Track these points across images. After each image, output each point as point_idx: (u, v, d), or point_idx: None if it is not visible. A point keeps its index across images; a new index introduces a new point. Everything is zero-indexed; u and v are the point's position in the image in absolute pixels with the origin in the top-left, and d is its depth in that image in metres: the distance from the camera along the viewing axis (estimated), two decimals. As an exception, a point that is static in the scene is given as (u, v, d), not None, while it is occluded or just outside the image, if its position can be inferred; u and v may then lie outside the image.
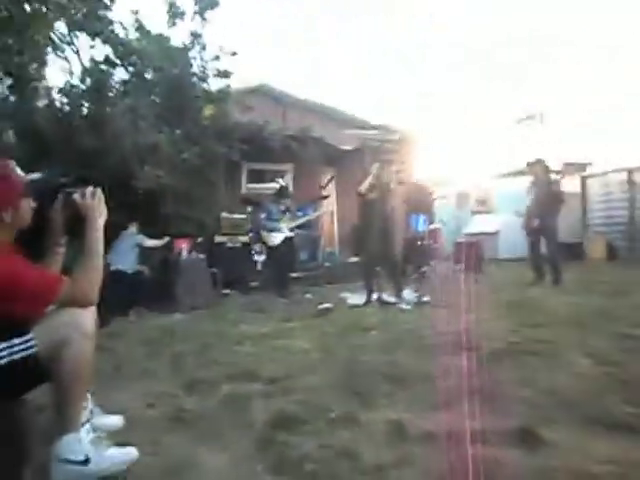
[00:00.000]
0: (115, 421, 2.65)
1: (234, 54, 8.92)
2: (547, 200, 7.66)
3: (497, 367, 3.41)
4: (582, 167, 16.79)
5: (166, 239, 7.47)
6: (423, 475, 2.08)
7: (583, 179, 13.62)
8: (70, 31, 8.25)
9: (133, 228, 7.30)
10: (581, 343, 3.96)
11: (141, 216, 7.44)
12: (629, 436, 2.30)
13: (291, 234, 7.91)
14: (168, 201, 7.79)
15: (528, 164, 8.37)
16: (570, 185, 13.07)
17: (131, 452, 2.26)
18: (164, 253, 7.74)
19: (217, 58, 8.91)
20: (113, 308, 6.14)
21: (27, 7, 7.39)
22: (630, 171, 12.48)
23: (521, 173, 14.18)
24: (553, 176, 8.36)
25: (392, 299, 6.50)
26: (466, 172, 18.94)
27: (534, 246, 7.89)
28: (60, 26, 8.19)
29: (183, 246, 7.46)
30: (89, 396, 2.43)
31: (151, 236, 7.38)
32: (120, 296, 6.48)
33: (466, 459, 2.14)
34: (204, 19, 8.74)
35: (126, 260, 6.95)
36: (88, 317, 2.19)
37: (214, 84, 9.08)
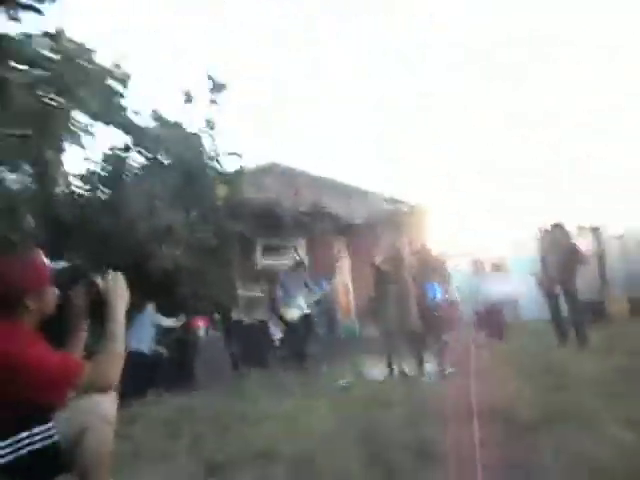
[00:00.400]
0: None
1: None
2: (568, 263, 7.61)
3: (529, 437, 3.29)
4: (595, 230, 16.76)
5: (183, 318, 7.46)
6: None
7: (598, 236, 13.57)
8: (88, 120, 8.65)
9: (150, 308, 7.33)
10: (614, 411, 3.80)
11: (157, 296, 7.49)
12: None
13: (309, 310, 7.88)
14: (184, 280, 7.87)
15: (545, 229, 8.39)
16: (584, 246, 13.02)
17: None
18: (181, 332, 7.71)
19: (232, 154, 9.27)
20: (131, 390, 6.08)
21: (46, 100, 7.80)
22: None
23: (534, 237, 14.13)
24: (570, 240, 8.33)
25: (414, 372, 6.36)
26: (480, 239, 18.95)
27: (555, 308, 7.78)
28: (76, 114, 8.59)
29: (200, 324, 7.43)
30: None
31: (168, 316, 7.40)
32: (138, 377, 6.42)
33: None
34: (215, 102, 9.18)
35: (143, 340, 6.93)
36: (108, 402, 2.17)
37: (226, 164, 9.40)
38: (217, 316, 8.05)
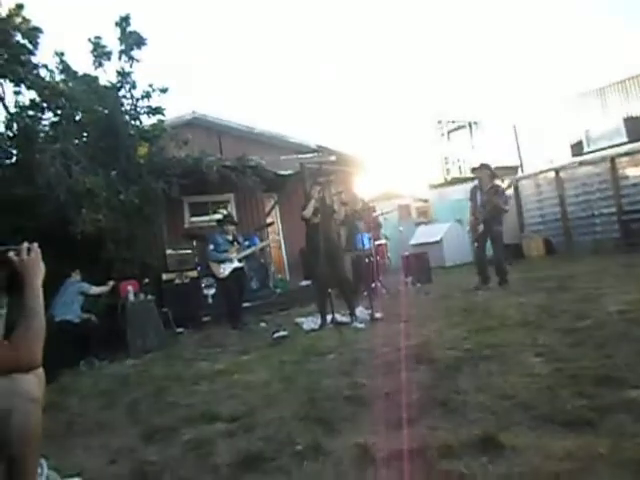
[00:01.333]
0: (74, 484, 2.55)
1: (164, 90, 8.85)
2: (491, 205, 7.88)
3: (454, 376, 3.51)
4: (513, 170, 17.56)
5: (110, 284, 7.25)
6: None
7: (516, 181, 14.23)
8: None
9: (76, 276, 7.07)
10: (530, 343, 4.12)
11: (82, 263, 7.22)
12: (583, 429, 2.40)
13: (240, 264, 7.85)
14: (108, 244, 7.60)
15: (473, 169, 8.63)
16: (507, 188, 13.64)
17: None
18: (110, 298, 7.52)
19: (147, 95, 8.82)
20: (61, 361, 5.93)
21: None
22: (557, 170, 13.19)
23: (457, 181, 14.67)
24: (498, 181, 8.65)
25: (346, 319, 6.55)
26: (405, 185, 19.42)
27: (479, 250, 8.14)
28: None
29: (129, 289, 7.26)
30: (42, 462, 2.32)
31: (95, 282, 7.16)
32: (68, 348, 6.26)
33: (433, 476, 2.18)
34: (131, 58, 8.65)
35: (71, 310, 6.70)
36: (32, 381, 2.10)
37: (147, 122, 8.99)
38: (147, 279, 7.86)
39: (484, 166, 8.41)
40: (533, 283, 7.62)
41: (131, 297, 7.17)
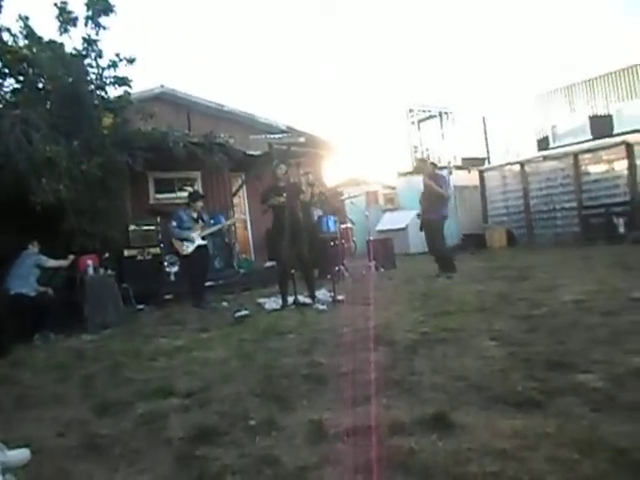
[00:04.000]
0: (21, 455, 2.48)
1: (132, 61, 8.60)
2: (430, 196, 8.19)
3: (411, 358, 3.57)
4: (480, 162, 17.81)
5: (70, 258, 7.07)
6: (344, 472, 2.12)
7: (481, 173, 14.45)
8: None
9: (33, 248, 6.87)
10: (486, 328, 4.22)
11: (41, 234, 7.01)
12: (532, 410, 2.48)
13: (204, 242, 7.76)
14: (69, 216, 7.39)
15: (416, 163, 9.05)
16: (472, 179, 13.88)
17: None
18: (69, 272, 7.33)
19: (114, 65, 8.55)
20: (16, 334, 5.78)
21: None
22: (522, 163, 13.43)
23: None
24: (445, 171, 9.03)
25: (308, 300, 6.57)
26: (374, 172, 19.49)
27: (428, 240, 8.36)
28: None
29: (89, 263, 7.09)
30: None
31: (54, 255, 6.97)
32: (23, 321, 6.10)
33: (383, 451, 2.22)
34: (98, 25, 8.36)
35: (27, 283, 6.53)
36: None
37: (113, 92, 8.72)
38: (107, 254, 7.69)
39: (422, 160, 8.90)
40: (493, 272, 7.79)
41: (90, 271, 7.02)
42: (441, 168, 9.68)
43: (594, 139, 13.24)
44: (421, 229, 8.48)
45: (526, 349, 3.45)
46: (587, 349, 3.30)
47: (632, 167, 11.13)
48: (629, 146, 11.21)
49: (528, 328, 4.05)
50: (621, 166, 11.35)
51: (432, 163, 8.83)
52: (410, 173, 16.17)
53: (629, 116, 16.42)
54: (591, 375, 2.84)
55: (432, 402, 2.70)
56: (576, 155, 12.18)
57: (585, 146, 12.62)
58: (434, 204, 8.15)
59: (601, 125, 16.74)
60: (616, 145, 11.62)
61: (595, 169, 11.94)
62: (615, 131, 14.02)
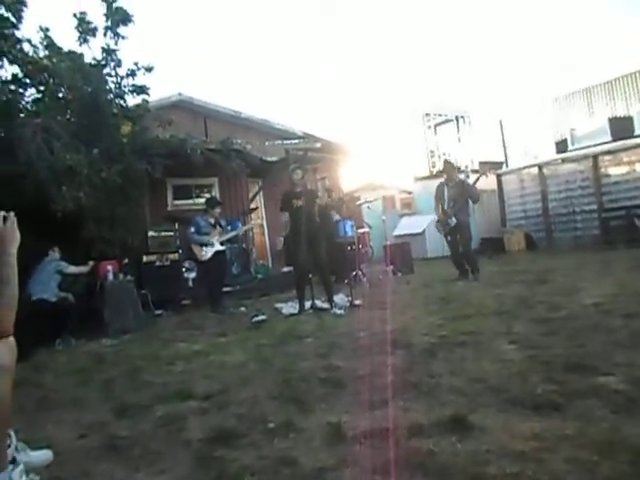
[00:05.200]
0: (43, 456, 2.53)
1: (150, 69, 8.73)
2: (459, 199, 8.07)
3: (429, 361, 3.55)
4: (498, 165, 17.68)
5: (90, 264, 7.17)
6: (362, 474, 2.11)
7: (499, 177, 14.34)
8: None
9: (54, 254, 6.98)
10: (505, 331, 4.19)
11: (62, 241, 7.12)
12: (551, 412, 2.45)
13: (222, 248, 7.81)
14: (89, 223, 7.51)
15: (444, 166, 8.90)
16: (490, 183, 13.77)
17: None
18: (89, 278, 7.44)
19: (132, 74, 8.70)
20: (37, 339, 5.87)
21: None
22: (540, 166, 13.31)
23: (441, 174, 14.67)
24: (463, 175, 8.93)
25: (325, 305, 6.57)
26: (390, 176, 19.47)
27: (452, 244, 8.26)
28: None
29: (108, 269, 7.19)
30: (12, 433, 2.31)
31: (74, 261, 7.08)
32: (44, 326, 6.19)
33: (402, 453, 2.21)
34: (117, 35, 8.51)
35: (48, 288, 6.62)
36: (3, 349, 2.09)
37: (131, 101, 8.87)
38: (127, 260, 7.79)
39: (449, 163, 8.79)
40: (512, 276, 7.71)
41: (110, 277, 7.11)
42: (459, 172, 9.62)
43: (614, 141, 13.08)
44: (446, 235, 8.35)
45: (545, 352, 3.41)
46: (607, 352, 3.25)
47: (653, 168, 10.97)
48: (650, 147, 11.05)
49: (547, 331, 4.01)
50: (642, 168, 11.19)
51: (456, 167, 8.83)
52: (430, 176, 16.11)
53: (650, 117, 16.21)
54: (612, 377, 2.80)
55: (450, 404, 2.68)
56: (595, 157, 12.03)
57: (605, 148, 12.47)
58: (463, 207, 8.11)
59: (621, 127, 16.51)
60: (637, 147, 11.46)
61: (615, 171, 11.78)
62: (636, 133, 13.82)
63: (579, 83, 19.55)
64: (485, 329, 4.31)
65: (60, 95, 8.42)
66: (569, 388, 2.70)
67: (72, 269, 7.02)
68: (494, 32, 55.10)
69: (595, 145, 13.56)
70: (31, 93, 8.45)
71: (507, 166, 18.48)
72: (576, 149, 14.50)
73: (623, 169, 11.66)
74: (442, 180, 8.53)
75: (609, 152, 12.09)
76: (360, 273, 9.08)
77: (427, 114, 22.55)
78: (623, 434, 2.11)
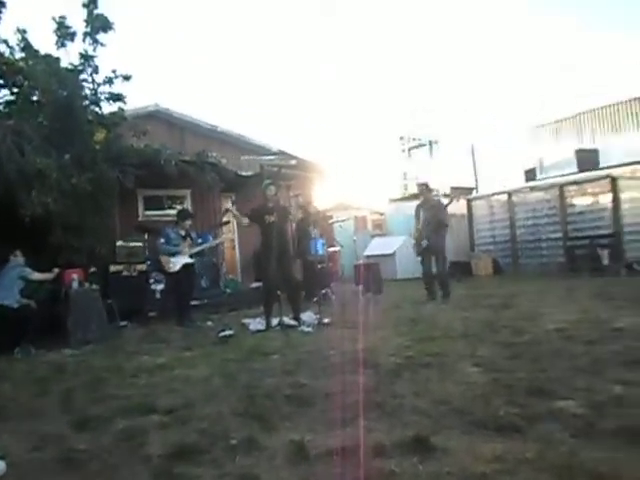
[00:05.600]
0: (-5, 468, 2.45)
1: (128, 78, 8.67)
2: (434, 221, 8.16)
3: (394, 381, 3.57)
4: (468, 191, 18.03)
5: (55, 271, 7.00)
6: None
7: (469, 202, 14.61)
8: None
9: (17, 258, 6.79)
10: (470, 354, 4.24)
11: (28, 247, 6.96)
12: (513, 435, 2.49)
13: (191, 260, 7.74)
14: (57, 230, 7.36)
15: (419, 188, 9.03)
16: (460, 208, 14.02)
17: None
18: (53, 285, 7.27)
19: (110, 81, 8.62)
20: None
21: None
22: (509, 193, 13.61)
23: (414, 197, 14.97)
24: (438, 198, 9.06)
25: (293, 322, 6.55)
26: (363, 197, 19.66)
27: (425, 264, 8.35)
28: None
29: (74, 277, 7.04)
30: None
31: (40, 268, 6.91)
32: (4, 333, 6.02)
33: (365, 473, 2.21)
34: (96, 41, 8.44)
35: (10, 294, 6.45)
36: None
37: (107, 108, 8.77)
38: (94, 268, 7.64)
39: (425, 185, 8.92)
40: (479, 300, 7.83)
41: (75, 285, 6.96)
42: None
43: (580, 172, 13.49)
44: (418, 254, 8.46)
45: (508, 375, 3.47)
46: (568, 377, 3.33)
47: (616, 200, 11.33)
48: (614, 180, 11.43)
49: (511, 355, 4.08)
50: (606, 199, 11.55)
51: (431, 189, 8.95)
52: (402, 199, 16.31)
53: (614, 151, 16.80)
54: (572, 402, 2.87)
55: (414, 425, 2.70)
56: (562, 187, 12.38)
57: (571, 178, 12.85)
58: (437, 229, 8.22)
59: (587, 159, 17.06)
60: (601, 178, 11.84)
61: (580, 201, 12.14)
62: (601, 165, 14.29)
63: (549, 115, 20.13)
64: (451, 351, 4.36)
65: (34, 98, 8.29)
66: (530, 411, 2.76)
67: (36, 276, 6.86)
68: (470, 61, 56.52)
69: (562, 175, 13.96)
70: (4, 94, 8.36)
71: (477, 192, 18.86)
72: (544, 178, 14.91)
73: (588, 200, 12.02)
74: (419, 202, 8.67)
75: (575, 183, 12.47)
76: (330, 291, 9.09)
77: (402, 137, 22.92)
78: (581, 458, 2.16)
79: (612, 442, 2.31)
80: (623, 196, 11.50)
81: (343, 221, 10.70)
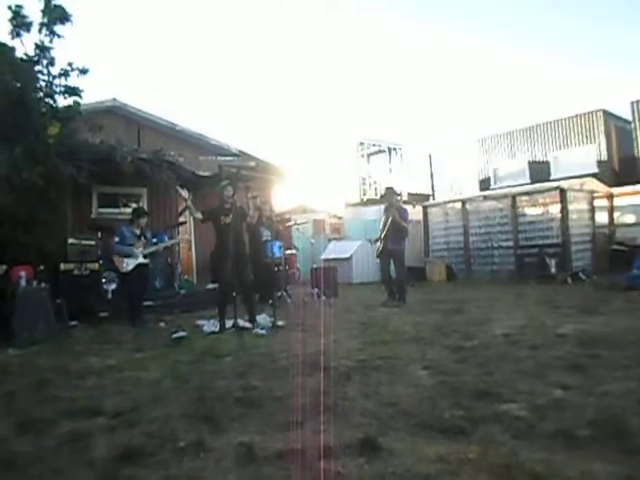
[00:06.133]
0: None
1: (85, 71, 8.46)
2: (393, 226, 8.29)
3: (345, 384, 3.62)
4: (425, 198, 18.39)
5: (2, 268, 6.77)
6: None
7: (425, 208, 14.88)
8: None
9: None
10: (420, 357, 4.34)
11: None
12: (457, 436, 2.58)
13: (145, 260, 7.60)
14: (3, 225, 7.11)
15: (382, 194, 9.15)
16: (416, 214, 14.27)
17: None
18: (-1, 282, 7.01)
19: (65, 74, 8.39)
20: None
21: None
22: (464, 201, 13.95)
23: (372, 202, 15.12)
24: (401, 204, 9.17)
25: (248, 324, 6.53)
26: (322, 201, 19.76)
27: (382, 266, 8.48)
28: None
29: (21, 274, 6.81)
30: None
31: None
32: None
33: (311, 475, 2.24)
34: (53, 33, 8.21)
35: (-49, 291, 6.21)
36: None
37: (62, 102, 8.53)
38: (42, 266, 7.40)
39: (389, 189, 9.05)
40: (431, 305, 8.00)
41: (22, 283, 6.73)
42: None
43: (532, 183, 13.96)
44: (378, 256, 8.60)
45: (455, 379, 3.58)
46: (513, 380, 3.45)
47: (564, 211, 11.78)
48: (563, 191, 11.87)
49: (459, 359, 4.20)
50: (555, 210, 11.99)
51: (397, 194, 9.03)
52: (360, 203, 16.47)
53: (564, 163, 17.48)
54: (514, 405, 2.98)
55: (362, 427, 2.75)
56: (514, 197, 12.77)
57: (523, 189, 13.27)
58: (396, 235, 8.34)
59: (539, 170, 17.69)
60: (551, 190, 12.29)
61: (531, 211, 12.55)
62: (552, 177, 14.82)
63: (503, 126, 20.75)
64: (401, 354, 4.45)
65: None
66: (475, 414, 2.85)
67: (-20, 272, 6.61)
68: (430, 72, 57.58)
69: (515, 185, 14.42)
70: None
71: (434, 199, 19.26)
72: (498, 188, 15.35)
73: (538, 210, 12.44)
74: (385, 205, 8.83)
75: (527, 193, 12.90)
76: (285, 294, 9.10)
77: (361, 143, 23.13)
78: (521, 458, 2.26)
79: (550, 443, 2.43)
80: (571, 207, 11.98)
81: (301, 224, 10.71)
